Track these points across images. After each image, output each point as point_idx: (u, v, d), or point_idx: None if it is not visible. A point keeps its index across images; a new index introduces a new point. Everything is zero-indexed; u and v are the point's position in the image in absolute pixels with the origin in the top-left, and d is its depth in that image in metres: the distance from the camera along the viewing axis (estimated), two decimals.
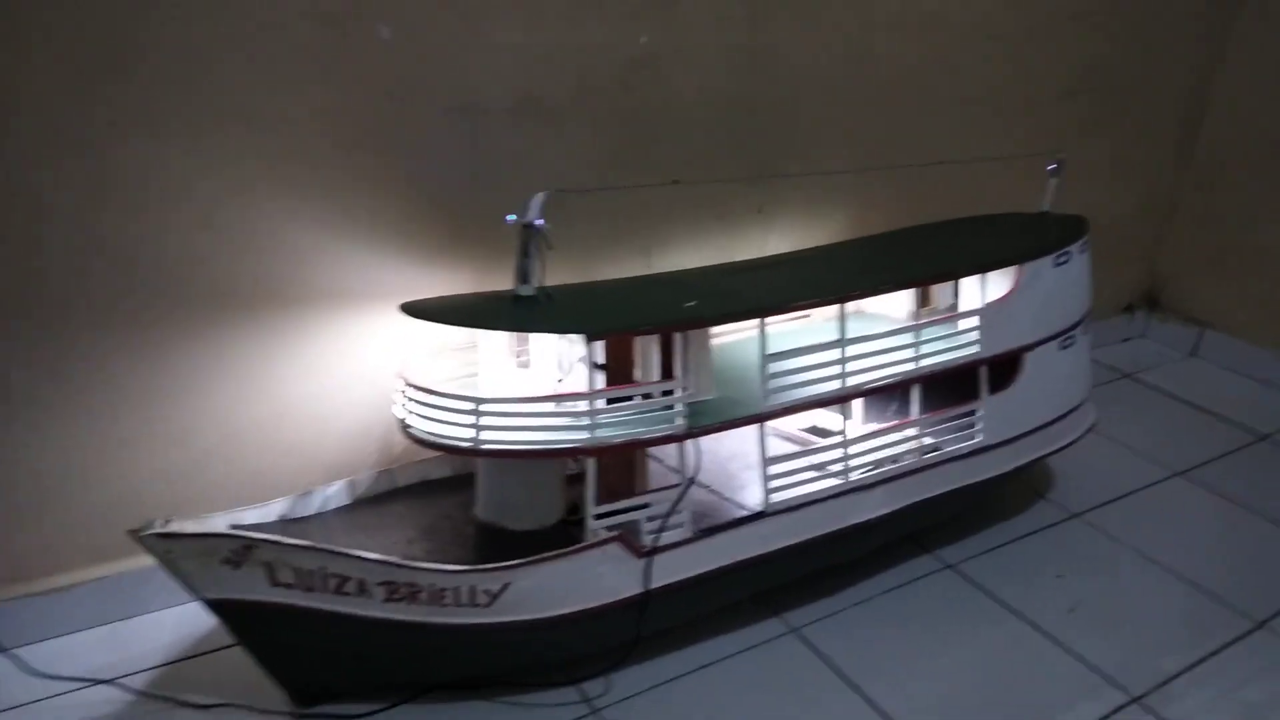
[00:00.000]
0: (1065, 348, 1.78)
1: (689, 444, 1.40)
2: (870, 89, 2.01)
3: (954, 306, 1.83)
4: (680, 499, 1.39)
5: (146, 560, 1.26)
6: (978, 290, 1.69)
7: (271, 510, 1.42)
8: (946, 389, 1.67)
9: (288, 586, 1.27)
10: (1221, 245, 2.68)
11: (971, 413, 1.68)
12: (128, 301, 1.41)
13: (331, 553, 1.25)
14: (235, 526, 1.35)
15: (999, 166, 2.05)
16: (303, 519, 1.45)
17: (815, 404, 1.50)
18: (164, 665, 1.48)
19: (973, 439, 1.68)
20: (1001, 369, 1.70)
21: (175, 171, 1.38)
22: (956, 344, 1.65)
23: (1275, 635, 1.63)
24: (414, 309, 1.41)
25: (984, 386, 1.68)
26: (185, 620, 1.55)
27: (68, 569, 1.51)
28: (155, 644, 1.52)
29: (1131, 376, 2.61)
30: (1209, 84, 2.61)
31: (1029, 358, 1.72)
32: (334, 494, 1.49)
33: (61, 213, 1.34)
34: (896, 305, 1.85)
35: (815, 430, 1.77)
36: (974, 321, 1.66)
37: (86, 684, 1.42)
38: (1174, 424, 2.36)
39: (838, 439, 1.55)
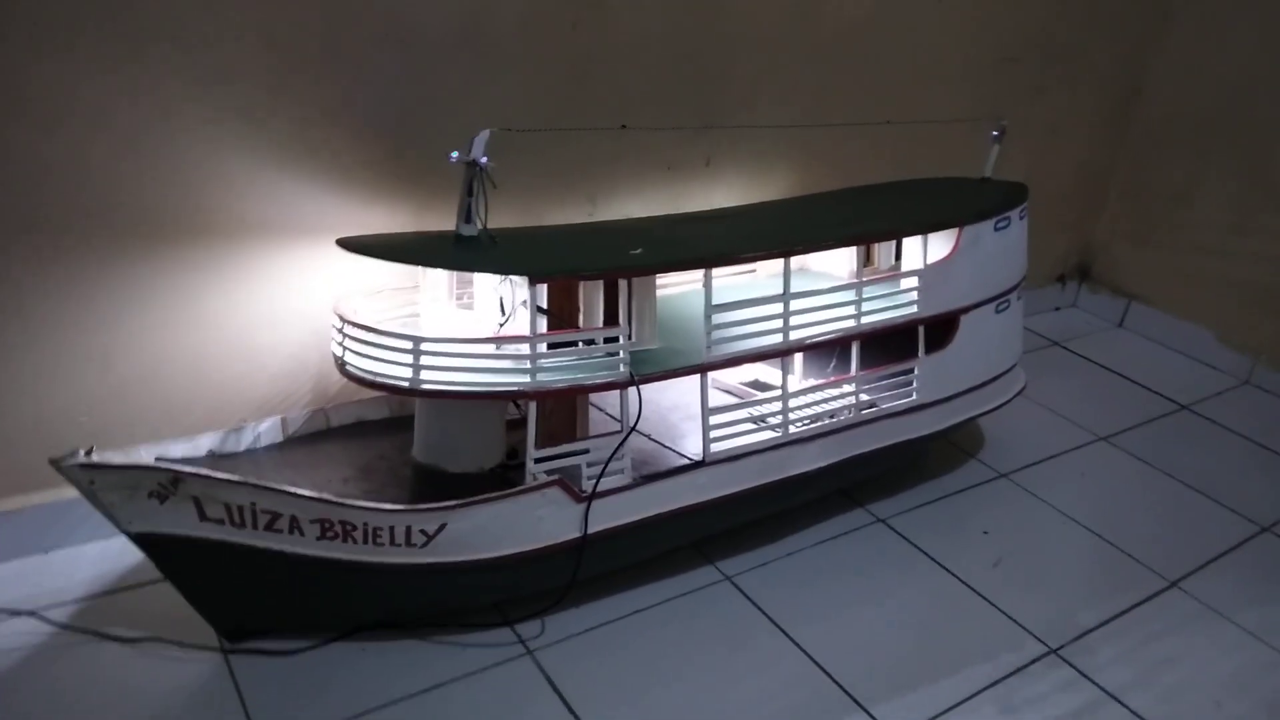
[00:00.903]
0: (1000, 311, 1.82)
1: (631, 392, 1.40)
2: (815, 43, 2.01)
3: (895, 267, 1.85)
4: (621, 445, 1.39)
5: (68, 491, 1.22)
6: (919, 251, 1.71)
7: (200, 444, 1.38)
8: (884, 347, 1.69)
9: (217, 522, 1.24)
10: (1152, 219, 2.75)
11: (909, 371, 1.70)
12: (47, 222, 1.35)
13: (263, 488, 1.22)
14: (162, 459, 1.31)
15: (941, 130, 2.07)
16: (232, 455, 1.41)
17: (758, 356, 1.51)
18: (87, 599, 1.44)
19: (909, 397, 1.71)
20: (938, 329, 1.73)
21: (95, 91, 1.32)
22: (897, 303, 1.67)
23: (1186, 594, 1.70)
24: (353, 244, 1.37)
25: (921, 346, 1.70)
26: (109, 554, 1.51)
27: None
28: (77, 578, 1.48)
29: (1061, 344, 2.68)
30: (1147, 57, 2.66)
31: (965, 319, 1.76)
32: (266, 431, 1.46)
33: None
34: (839, 264, 1.86)
35: (756, 384, 1.78)
36: (914, 281, 1.68)
37: (4, 615, 1.38)
38: (1100, 391, 2.44)
39: (777, 392, 1.56)
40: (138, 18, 1.31)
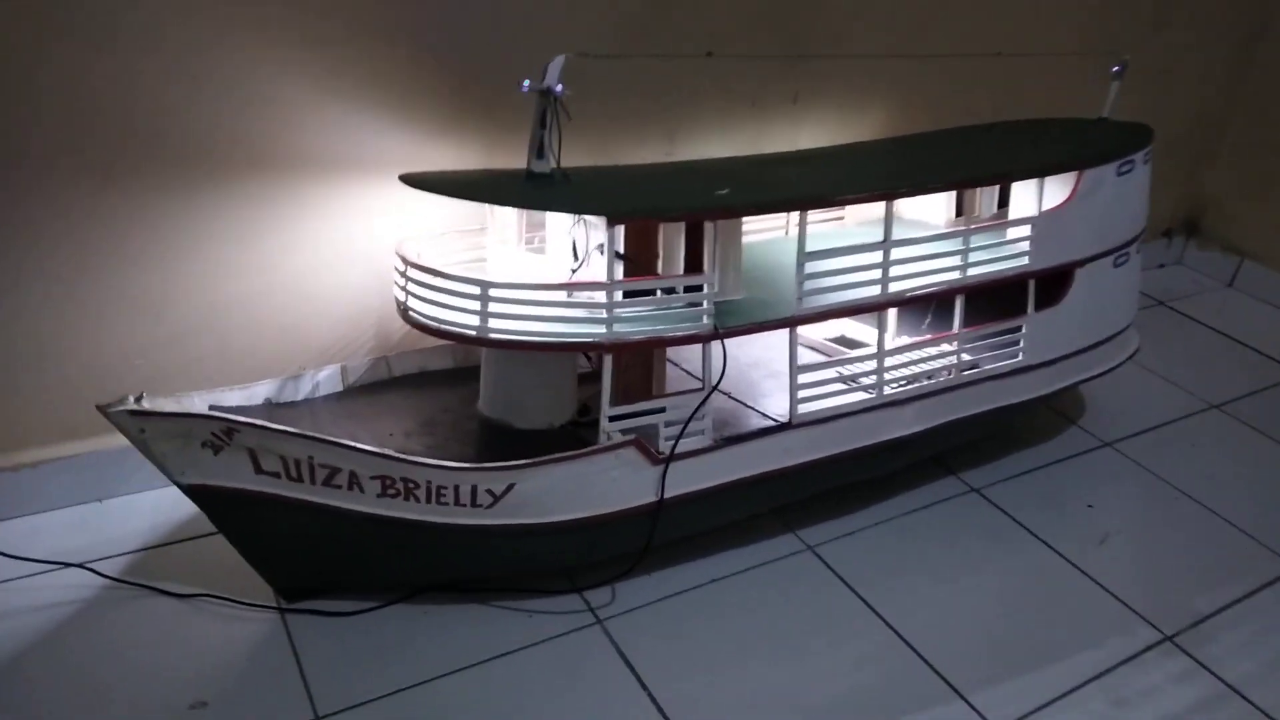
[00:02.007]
0: (1119, 265, 1.66)
1: (715, 345, 1.28)
2: None
3: (999, 215, 1.70)
4: (704, 403, 1.28)
5: (121, 439, 1.15)
6: (1031, 197, 1.55)
7: (257, 393, 1.31)
8: (986, 303, 1.55)
9: (274, 475, 1.17)
10: (1270, 172, 2.52)
11: (1016, 329, 1.56)
12: (94, 152, 1.27)
13: (322, 441, 1.14)
14: (216, 408, 1.23)
15: (1050, 67, 1.89)
16: (290, 404, 1.34)
17: (853, 310, 1.38)
18: (140, 550, 1.39)
19: (1014, 357, 1.57)
20: (1050, 284, 1.58)
21: (151, 7, 1.22)
22: (1005, 254, 1.52)
23: None
24: (417, 180, 1.27)
25: (1031, 301, 1.55)
26: (164, 504, 1.45)
27: (36, 445, 1.40)
28: (131, 528, 1.42)
29: (1166, 304, 2.49)
30: None
31: (1081, 273, 1.60)
32: (325, 379, 1.37)
33: (15, 49, 1.18)
34: (934, 211, 1.71)
35: (843, 340, 1.66)
36: (1025, 230, 1.53)
37: (56, 566, 1.33)
38: (1209, 356, 2.25)
39: (872, 350, 1.43)
40: None
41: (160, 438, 1.13)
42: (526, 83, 1.22)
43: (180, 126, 1.30)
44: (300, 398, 1.35)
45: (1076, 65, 1.87)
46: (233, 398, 1.27)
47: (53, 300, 1.33)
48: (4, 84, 1.20)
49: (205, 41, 1.27)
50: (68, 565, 1.33)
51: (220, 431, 1.13)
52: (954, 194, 1.65)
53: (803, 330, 1.44)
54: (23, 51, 1.19)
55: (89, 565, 1.34)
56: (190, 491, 1.18)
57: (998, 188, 1.67)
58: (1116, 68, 1.74)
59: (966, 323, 1.50)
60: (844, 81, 1.84)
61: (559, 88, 1.21)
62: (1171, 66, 2.37)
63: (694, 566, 1.44)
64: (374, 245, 1.48)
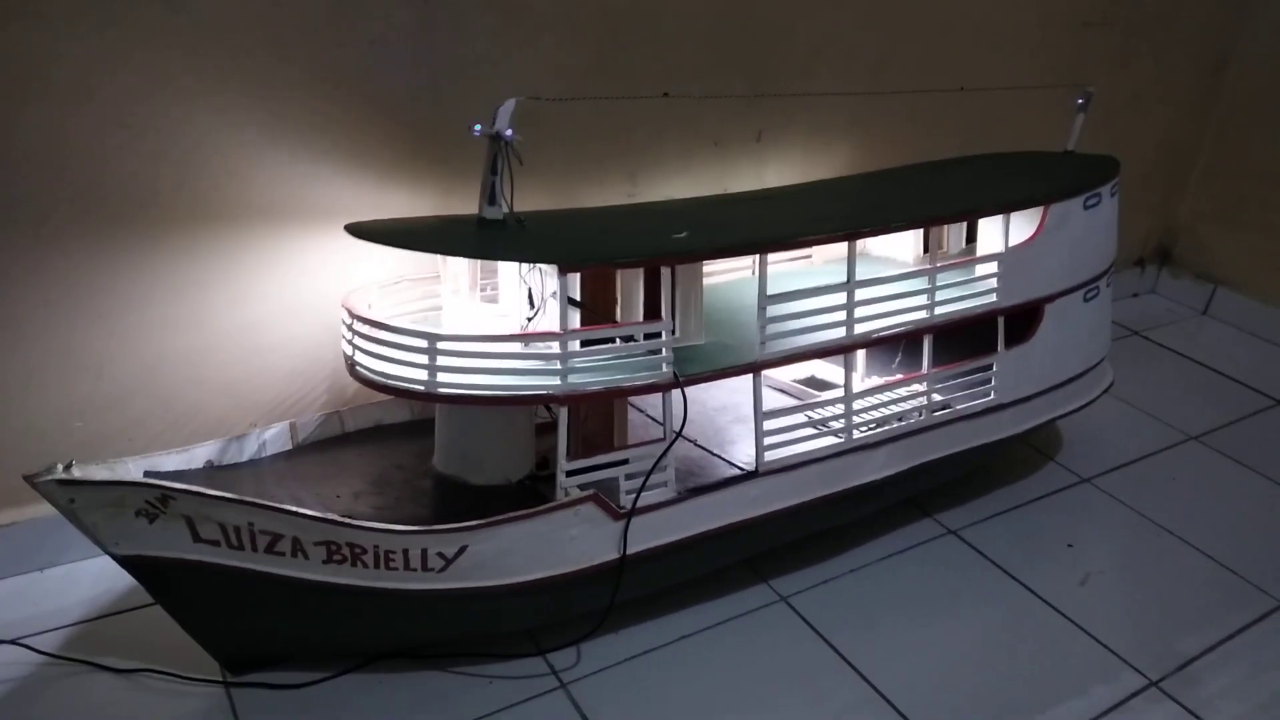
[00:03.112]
0: (1089, 299, 1.63)
1: (675, 394, 1.23)
2: (880, 6, 1.82)
3: (967, 251, 1.67)
4: (664, 455, 1.24)
5: None
6: (999, 233, 1.53)
7: (196, 455, 1.25)
8: (956, 342, 1.51)
9: (212, 544, 1.11)
10: (1240, 199, 2.52)
11: (987, 367, 1.52)
12: (24, 208, 1.22)
13: (261, 506, 1.09)
14: (151, 474, 1.18)
15: (1015, 101, 1.87)
16: (234, 466, 1.28)
17: (819, 353, 1.35)
18: (79, 623, 1.32)
19: (986, 396, 1.53)
20: (1019, 320, 1.55)
21: (81, 57, 1.18)
22: (973, 291, 1.49)
23: None
24: (364, 230, 1.23)
25: (1001, 339, 1.52)
26: (108, 573, 1.37)
27: None
28: (71, 599, 1.36)
29: (1141, 334, 2.47)
30: (1237, 24, 2.43)
31: (1050, 309, 1.57)
32: (272, 438, 1.32)
33: None
34: (902, 248, 1.68)
35: (812, 382, 1.62)
36: (993, 267, 1.50)
37: None
38: (1186, 385, 2.23)
39: (840, 393, 1.39)
40: None
41: (91, 507, 1.07)
42: (478, 127, 1.19)
43: (118, 178, 1.25)
44: (245, 459, 1.29)
45: (1042, 98, 1.85)
46: (170, 462, 1.22)
47: None
48: None
49: (142, 91, 1.23)
50: (1, 642, 1.26)
51: (155, 499, 1.07)
52: (921, 231, 1.62)
53: (770, 372, 1.40)
54: None
55: (23, 641, 1.27)
56: (125, 562, 1.12)
57: (965, 223, 1.65)
58: (1081, 99, 1.73)
59: (937, 362, 1.47)
60: (808, 118, 1.82)
61: (509, 132, 1.18)
62: (1138, 97, 2.37)
63: (662, 622, 1.39)
64: (325, 297, 1.44)
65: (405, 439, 1.40)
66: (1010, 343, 1.54)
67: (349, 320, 1.21)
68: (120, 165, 1.25)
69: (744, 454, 1.40)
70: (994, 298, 1.49)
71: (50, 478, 1.05)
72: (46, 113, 1.19)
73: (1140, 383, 2.17)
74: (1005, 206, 1.50)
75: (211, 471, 1.25)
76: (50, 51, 1.17)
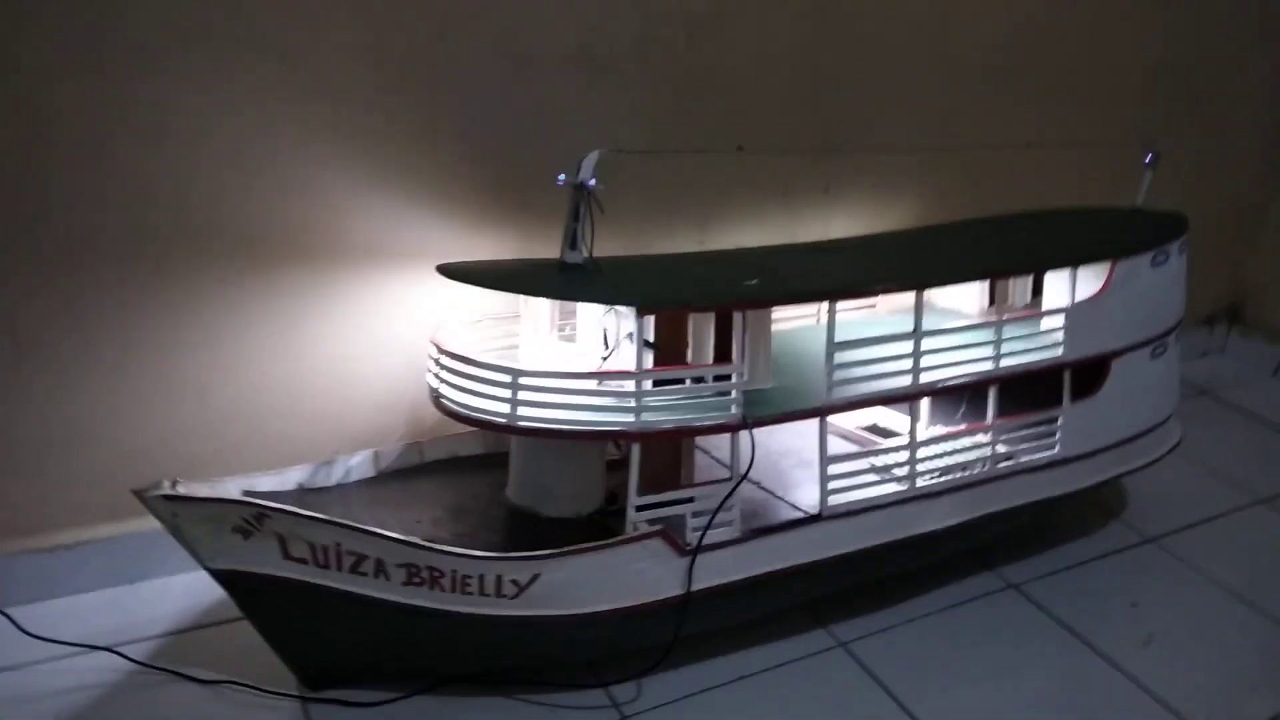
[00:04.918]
0: (1156, 356, 1.63)
1: (743, 435, 1.27)
2: (948, 65, 1.87)
3: (1032, 304, 1.69)
4: (731, 494, 1.27)
5: (155, 522, 1.17)
6: (1065, 287, 1.55)
7: (289, 478, 1.32)
8: (1020, 394, 1.53)
9: (301, 561, 1.17)
10: None
11: (1052, 420, 1.53)
12: (146, 242, 1.32)
13: (349, 528, 1.15)
14: (248, 493, 1.25)
15: (1080, 157, 1.90)
16: (322, 490, 1.34)
17: (884, 400, 1.37)
18: (168, 634, 1.39)
19: (1051, 449, 1.54)
20: (1086, 375, 1.56)
21: (200, 103, 1.29)
22: (1039, 344, 1.51)
23: None
24: (453, 271, 1.30)
25: (1067, 392, 1.53)
26: (195, 588, 1.46)
27: (70, 526, 1.42)
28: (161, 611, 1.43)
29: (1210, 393, 2.44)
30: None
31: (1117, 364, 1.58)
32: (357, 465, 1.39)
33: (75, 141, 1.24)
34: (967, 300, 1.71)
35: (875, 429, 1.64)
36: (1060, 320, 1.51)
37: (83, 649, 1.34)
38: (1256, 447, 2.19)
39: (905, 440, 1.42)
40: (242, 32, 1.27)
41: (193, 522, 1.14)
42: (562, 177, 1.25)
43: (231, 217, 1.35)
44: (333, 483, 1.36)
45: (1108, 154, 1.87)
46: (266, 483, 1.29)
47: (96, 384, 1.36)
48: (66, 183, 1.26)
49: (255, 134, 1.33)
50: (95, 648, 1.34)
51: (251, 517, 1.14)
52: (987, 283, 1.65)
53: (833, 419, 1.43)
54: (83, 149, 1.25)
55: (117, 649, 1.34)
56: (219, 576, 1.18)
57: (1031, 277, 1.67)
58: (1149, 157, 1.75)
59: (1001, 414, 1.48)
60: (875, 172, 1.87)
61: (592, 182, 1.24)
62: (1208, 153, 2.37)
63: (722, 662, 1.41)
64: (410, 332, 1.51)
65: (480, 470, 1.46)
66: (1076, 397, 1.55)
67: (436, 355, 1.28)
68: (233, 204, 1.35)
69: (807, 498, 1.43)
70: (1060, 351, 1.51)
71: (157, 493, 1.12)
72: (173, 151, 1.29)
73: (1209, 443, 2.14)
74: (1073, 261, 1.52)
75: (302, 493, 1.32)
76: (182, 93, 1.27)
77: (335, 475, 1.37)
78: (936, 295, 1.73)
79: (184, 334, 1.38)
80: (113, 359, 1.36)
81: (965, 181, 1.97)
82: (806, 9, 1.67)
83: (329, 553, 1.16)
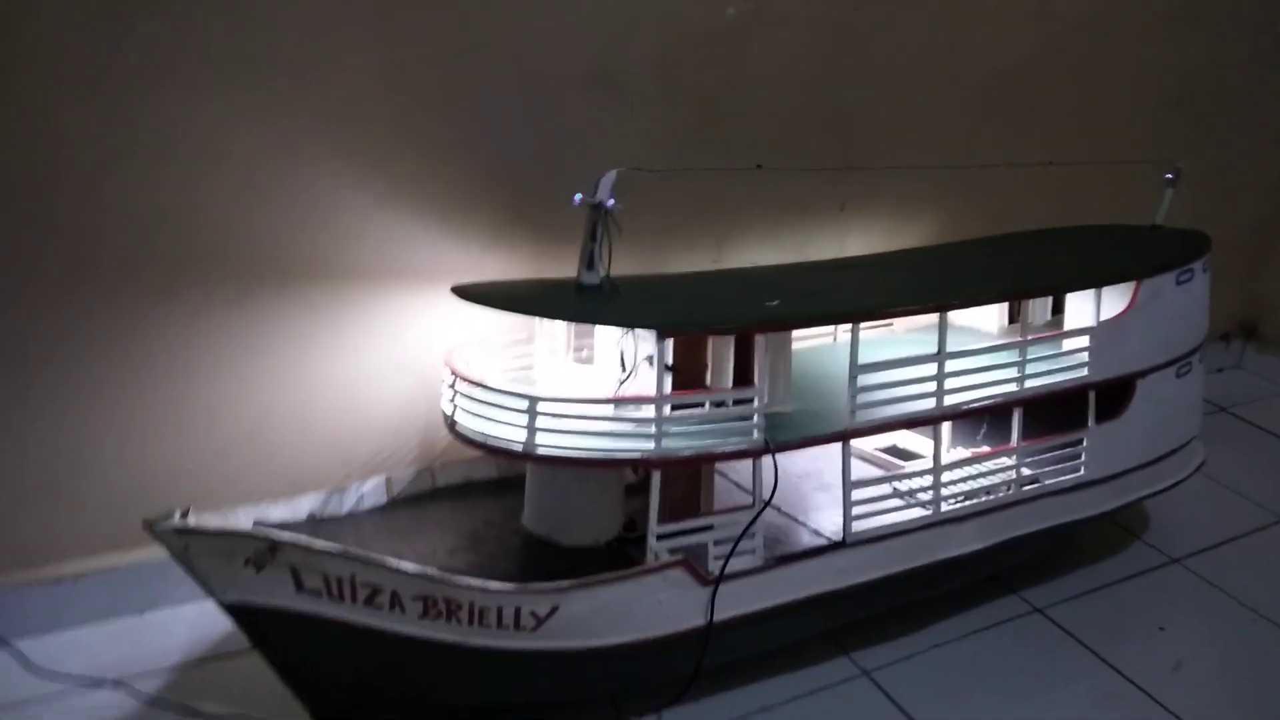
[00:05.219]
0: (1181, 376, 1.61)
1: (766, 460, 1.25)
2: (966, 84, 1.85)
3: (1052, 323, 1.66)
4: (754, 521, 1.24)
5: (163, 550, 1.14)
6: (1088, 306, 1.52)
7: (301, 507, 1.29)
8: (1044, 415, 1.50)
9: (314, 594, 1.14)
10: None
11: (1077, 442, 1.50)
12: (153, 264, 1.30)
13: (364, 560, 1.12)
14: (260, 524, 1.22)
15: (1098, 175, 1.87)
16: (335, 519, 1.32)
17: (908, 424, 1.35)
18: (178, 667, 1.36)
19: (1076, 471, 1.51)
20: (1110, 396, 1.53)
21: (213, 124, 1.26)
22: (1064, 365, 1.48)
23: None
24: (467, 293, 1.27)
25: (1092, 414, 1.50)
26: (204, 618, 1.42)
27: (78, 556, 1.40)
28: (170, 643, 1.40)
29: (1228, 410, 2.41)
30: None
31: (1142, 384, 1.55)
32: (369, 492, 1.36)
33: (84, 162, 1.22)
34: (987, 319, 1.68)
35: (895, 451, 1.61)
36: (1084, 341, 1.49)
37: (92, 684, 1.31)
38: (1276, 464, 2.16)
39: (929, 464, 1.39)
40: (254, 50, 1.25)
41: (204, 554, 1.11)
42: (578, 197, 1.23)
43: (243, 239, 1.33)
44: (345, 511, 1.33)
45: (1127, 172, 1.85)
46: (277, 513, 1.26)
47: (103, 409, 1.34)
48: (74, 206, 1.23)
49: (270, 155, 1.31)
50: (104, 682, 1.31)
51: (264, 549, 1.11)
52: (1007, 302, 1.62)
53: (855, 441, 1.40)
54: (92, 171, 1.23)
55: (125, 682, 1.31)
56: (230, 610, 1.15)
57: (1050, 296, 1.64)
58: (1169, 175, 1.72)
59: (1024, 435, 1.46)
60: (893, 189, 1.84)
61: (610, 202, 1.22)
62: (1224, 171, 2.35)
63: (743, 693, 1.38)
64: (422, 354, 1.49)
65: (494, 496, 1.43)
66: (1101, 418, 1.52)
67: (452, 380, 1.25)
68: (245, 225, 1.32)
69: (828, 522, 1.40)
70: (1085, 371, 1.48)
71: (168, 525, 1.09)
72: (185, 172, 1.27)
73: (1229, 461, 2.11)
74: (1096, 281, 1.49)
75: (314, 523, 1.29)
76: (195, 113, 1.25)
77: (347, 503, 1.34)
78: (956, 314, 1.70)
79: (193, 358, 1.36)
80: (120, 384, 1.33)
81: (981, 200, 1.94)
82: (824, 29, 1.65)
83: (343, 585, 1.13)
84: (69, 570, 1.39)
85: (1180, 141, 2.21)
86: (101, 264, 1.27)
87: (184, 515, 1.11)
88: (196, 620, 1.43)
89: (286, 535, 1.11)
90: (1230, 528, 1.89)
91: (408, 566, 1.12)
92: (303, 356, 1.41)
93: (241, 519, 1.20)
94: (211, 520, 1.14)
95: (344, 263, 1.39)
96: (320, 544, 1.11)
